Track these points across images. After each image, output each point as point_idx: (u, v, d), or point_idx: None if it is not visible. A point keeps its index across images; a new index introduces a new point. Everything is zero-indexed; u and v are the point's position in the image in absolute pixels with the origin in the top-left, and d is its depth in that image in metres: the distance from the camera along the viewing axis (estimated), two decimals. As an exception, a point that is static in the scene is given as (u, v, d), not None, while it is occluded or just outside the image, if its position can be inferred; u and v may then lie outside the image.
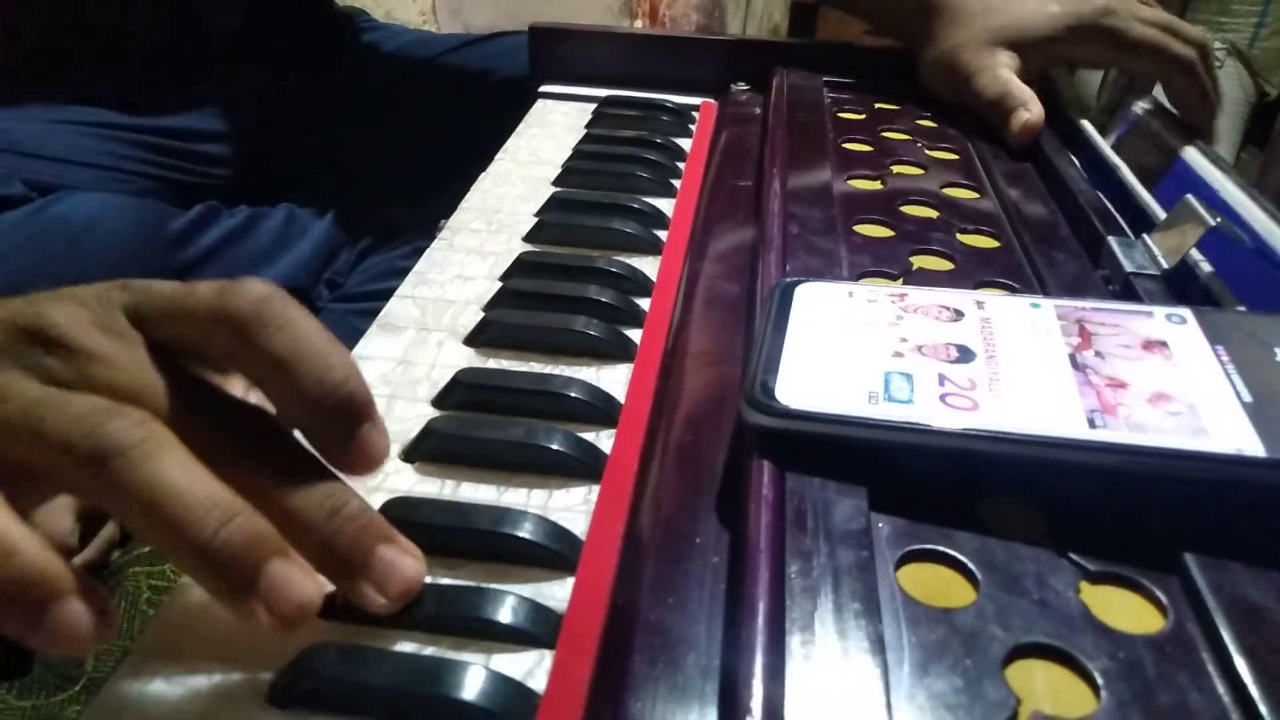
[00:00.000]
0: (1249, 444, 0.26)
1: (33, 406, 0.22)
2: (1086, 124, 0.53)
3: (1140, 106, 0.59)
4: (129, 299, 0.25)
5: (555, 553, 0.28)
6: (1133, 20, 0.55)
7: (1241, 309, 0.35)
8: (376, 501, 0.30)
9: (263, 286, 0.25)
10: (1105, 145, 0.50)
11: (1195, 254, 0.37)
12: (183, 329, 0.25)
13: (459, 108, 0.80)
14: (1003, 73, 0.54)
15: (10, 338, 0.24)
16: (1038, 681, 0.23)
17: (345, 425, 0.25)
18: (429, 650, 0.25)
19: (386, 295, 0.42)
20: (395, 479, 0.32)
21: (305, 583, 0.23)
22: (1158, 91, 0.58)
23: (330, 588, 0.24)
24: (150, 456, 0.22)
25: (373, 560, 0.24)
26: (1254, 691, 0.21)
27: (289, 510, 0.23)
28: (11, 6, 0.69)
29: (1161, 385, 0.28)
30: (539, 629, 0.25)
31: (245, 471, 0.23)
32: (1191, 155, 0.50)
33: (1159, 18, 0.56)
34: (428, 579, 0.26)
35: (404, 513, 0.29)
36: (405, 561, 0.25)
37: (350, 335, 0.40)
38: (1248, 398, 0.27)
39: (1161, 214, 0.42)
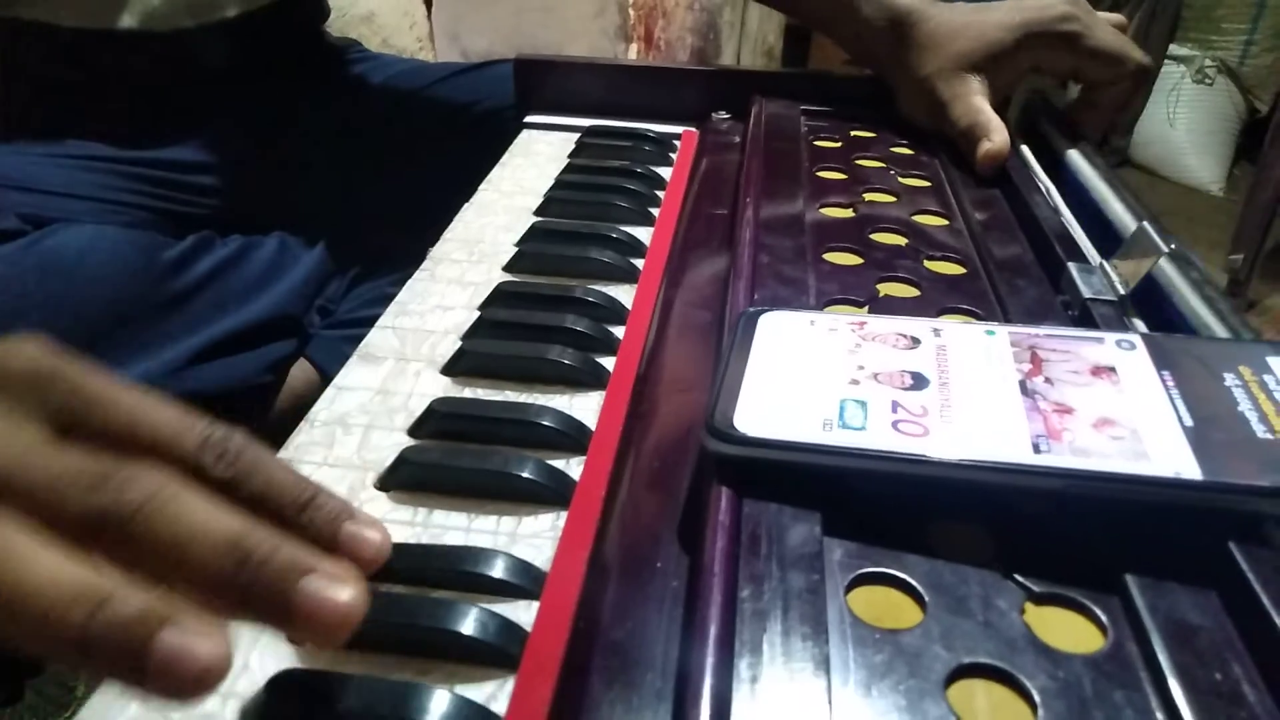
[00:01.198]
0: (1186, 467, 0.27)
1: (52, 476, 0.22)
2: (1024, 148, 0.55)
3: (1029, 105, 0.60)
4: (52, 394, 0.24)
5: (520, 587, 0.29)
6: (1092, 28, 0.56)
7: (1184, 335, 0.36)
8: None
9: (235, 433, 0.24)
10: (1086, 168, 0.52)
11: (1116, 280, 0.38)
12: (114, 444, 0.23)
13: (448, 137, 0.82)
14: (974, 101, 0.55)
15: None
16: (978, 701, 0.23)
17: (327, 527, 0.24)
18: (394, 676, 0.26)
19: (373, 322, 0.44)
20: (369, 507, 0.32)
21: (200, 643, 0.20)
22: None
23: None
24: (171, 503, 0.21)
25: (296, 602, 0.21)
26: (1183, 706, 0.22)
27: (200, 575, 0.21)
28: (5, 43, 0.70)
29: (1106, 410, 0.29)
30: (503, 642, 0.26)
31: (149, 551, 0.21)
32: (1072, 156, 0.52)
33: (1117, 21, 0.58)
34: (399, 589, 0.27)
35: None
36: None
37: (341, 361, 0.41)
38: (1189, 422, 0.28)
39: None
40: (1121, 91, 0.57)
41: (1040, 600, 0.26)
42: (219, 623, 0.20)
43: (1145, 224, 0.39)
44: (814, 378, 0.31)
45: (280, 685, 0.25)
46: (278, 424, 0.66)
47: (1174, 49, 2.27)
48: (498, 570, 0.29)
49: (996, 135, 0.53)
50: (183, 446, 0.23)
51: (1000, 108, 0.57)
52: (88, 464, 0.22)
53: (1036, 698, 0.23)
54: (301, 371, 0.71)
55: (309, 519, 0.23)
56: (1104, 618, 0.25)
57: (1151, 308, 0.38)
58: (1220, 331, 0.35)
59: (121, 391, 0.24)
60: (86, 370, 0.24)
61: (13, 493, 0.21)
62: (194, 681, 0.20)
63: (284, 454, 0.35)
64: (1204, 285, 0.36)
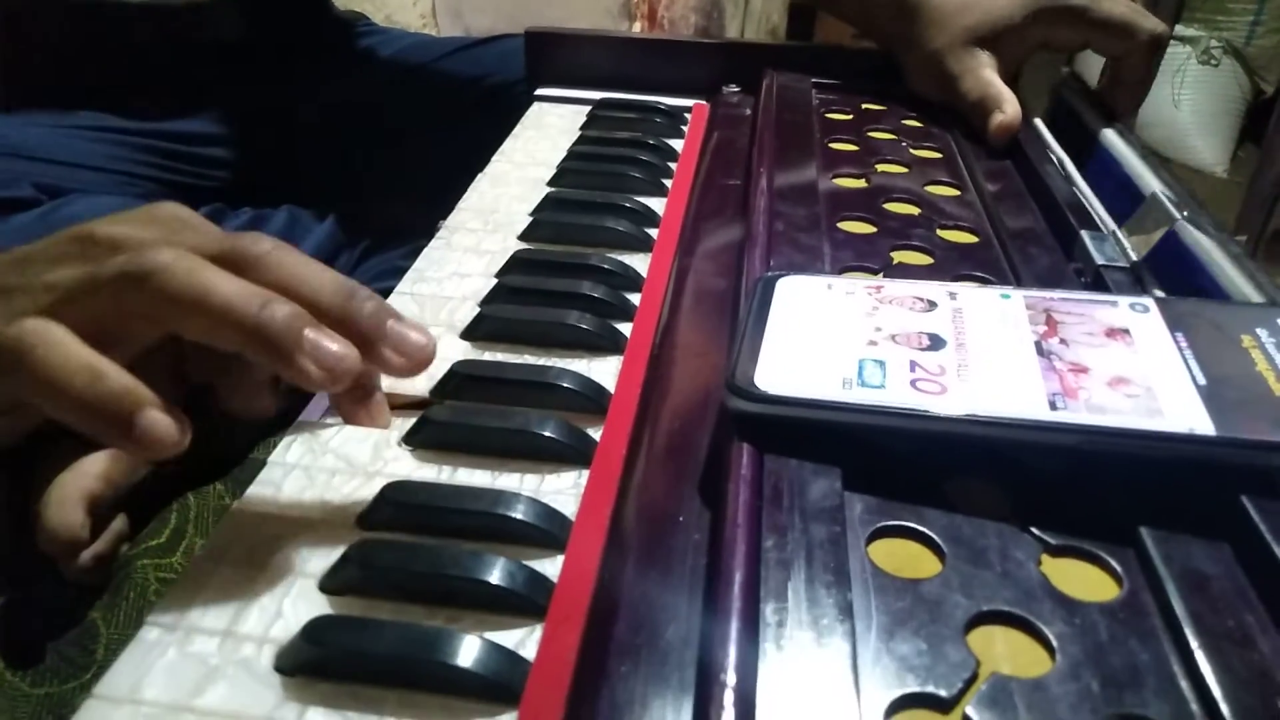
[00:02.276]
0: (1200, 423, 0.27)
1: (87, 272, 0.27)
2: (1037, 121, 0.55)
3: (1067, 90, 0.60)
4: (179, 216, 0.31)
5: (546, 532, 0.29)
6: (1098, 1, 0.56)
7: (1198, 298, 0.36)
8: (376, 485, 0.31)
9: (270, 240, 0.29)
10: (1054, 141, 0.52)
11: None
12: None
13: (457, 110, 0.82)
14: (984, 74, 0.55)
15: (63, 247, 0.30)
16: (997, 645, 0.24)
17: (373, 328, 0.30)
18: (425, 624, 0.27)
19: (387, 294, 0.44)
20: (395, 465, 0.33)
21: (338, 344, 0.27)
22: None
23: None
24: (185, 269, 0.26)
25: (388, 330, 0.29)
26: (1197, 651, 0.23)
27: (315, 297, 0.28)
28: (16, 16, 0.70)
29: (1121, 370, 0.30)
30: (530, 591, 0.27)
31: (272, 281, 0.28)
32: (1107, 136, 0.52)
33: (1127, 4, 0.58)
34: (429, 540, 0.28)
35: (404, 496, 0.30)
36: (414, 332, 0.29)
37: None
38: (1202, 380, 0.29)
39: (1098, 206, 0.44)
40: (1138, 63, 0.57)
41: (1056, 552, 0.27)
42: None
43: (1157, 193, 0.39)
44: (832, 339, 0.32)
45: (315, 631, 0.26)
46: (290, 395, 0.67)
47: (1180, 30, 2.26)
48: (525, 514, 0.29)
49: (1009, 106, 0.53)
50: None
51: (1010, 82, 0.57)
52: (216, 234, 0.30)
53: (1054, 643, 0.24)
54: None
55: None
56: (1119, 568, 0.26)
57: (1172, 272, 0.38)
58: (1251, 294, 0.35)
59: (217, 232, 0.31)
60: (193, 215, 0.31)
61: (172, 242, 0.28)
62: (335, 363, 0.27)
63: (305, 416, 0.35)
64: (1230, 245, 0.36)
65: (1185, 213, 0.38)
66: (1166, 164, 0.46)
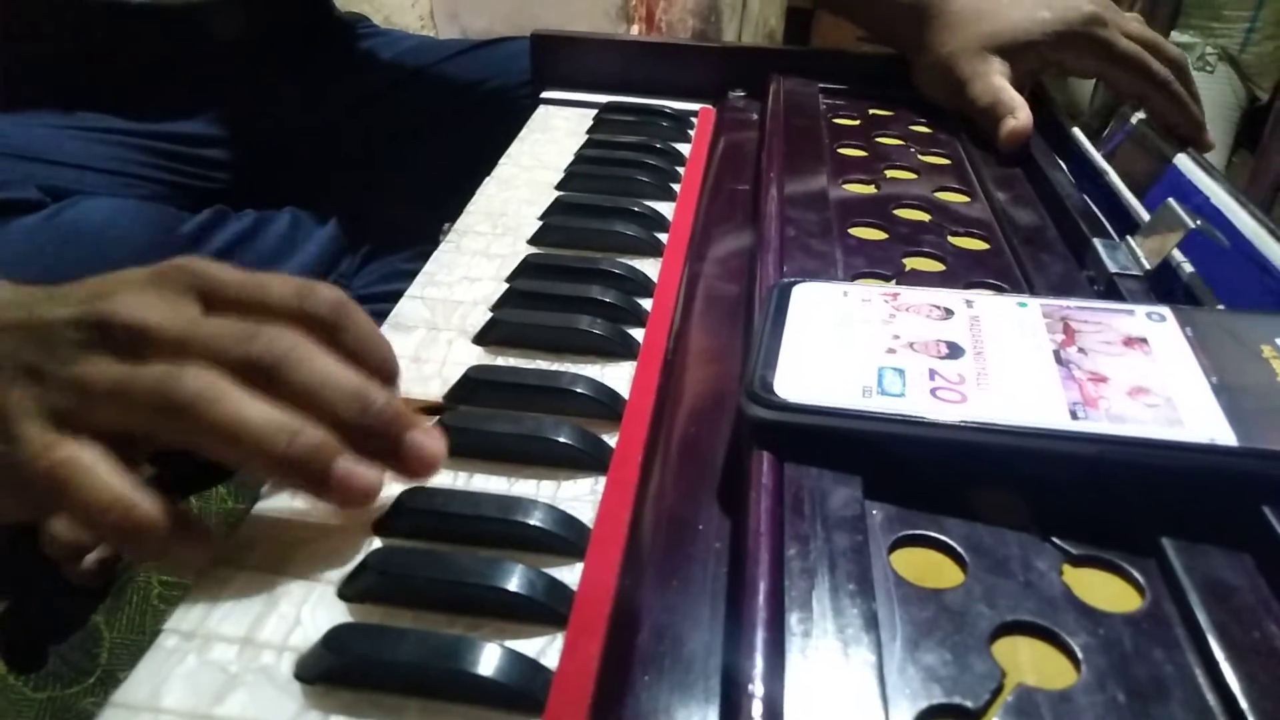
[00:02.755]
0: (1221, 433, 0.27)
1: (118, 381, 0.28)
2: (1076, 130, 0.55)
3: (1136, 115, 0.60)
4: (195, 282, 0.30)
5: (564, 539, 0.29)
6: (1119, 33, 0.56)
7: (1220, 307, 0.36)
8: (394, 491, 0.31)
9: (335, 292, 0.31)
10: (1093, 150, 0.52)
11: (1178, 255, 0.39)
12: (249, 314, 0.30)
13: (460, 113, 0.82)
14: (995, 80, 0.56)
15: (87, 331, 0.29)
16: (1022, 656, 0.24)
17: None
18: (445, 631, 0.27)
19: (391, 298, 0.44)
20: (410, 471, 0.33)
21: (364, 471, 0.29)
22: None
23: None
24: (216, 401, 0.27)
25: (403, 441, 0.30)
26: (1223, 663, 0.23)
27: (333, 415, 0.29)
28: (18, 16, 0.70)
29: (1140, 379, 0.30)
30: (550, 600, 0.27)
31: (293, 393, 0.29)
32: (1182, 161, 0.52)
33: (1144, 35, 0.58)
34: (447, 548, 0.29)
35: (421, 503, 0.30)
36: (428, 440, 0.30)
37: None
38: (1222, 390, 0.29)
39: (1146, 216, 0.43)
40: (1157, 104, 0.57)
41: (1078, 562, 0.27)
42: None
43: (1171, 200, 0.39)
44: (850, 346, 0.32)
45: (336, 639, 0.25)
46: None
47: (1175, 36, 2.27)
48: (543, 520, 0.29)
49: (1021, 113, 0.53)
50: (300, 308, 0.30)
51: (1021, 93, 0.57)
52: (237, 325, 0.29)
53: (1079, 654, 0.24)
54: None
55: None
56: (1141, 579, 0.26)
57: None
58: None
59: (247, 274, 0.31)
60: (217, 264, 0.31)
61: (191, 351, 0.28)
62: (361, 495, 0.29)
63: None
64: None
65: (1199, 221, 0.38)
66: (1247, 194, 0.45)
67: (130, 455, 0.28)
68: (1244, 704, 0.22)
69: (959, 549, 0.27)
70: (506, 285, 0.44)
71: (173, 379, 0.27)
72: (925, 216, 0.46)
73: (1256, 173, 1.71)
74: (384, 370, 0.32)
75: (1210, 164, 0.50)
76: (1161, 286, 0.39)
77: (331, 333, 0.30)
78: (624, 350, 0.39)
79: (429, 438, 0.30)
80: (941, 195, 0.49)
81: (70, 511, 0.27)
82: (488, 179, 0.56)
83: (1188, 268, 0.38)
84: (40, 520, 0.31)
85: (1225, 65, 2.26)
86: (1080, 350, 0.31)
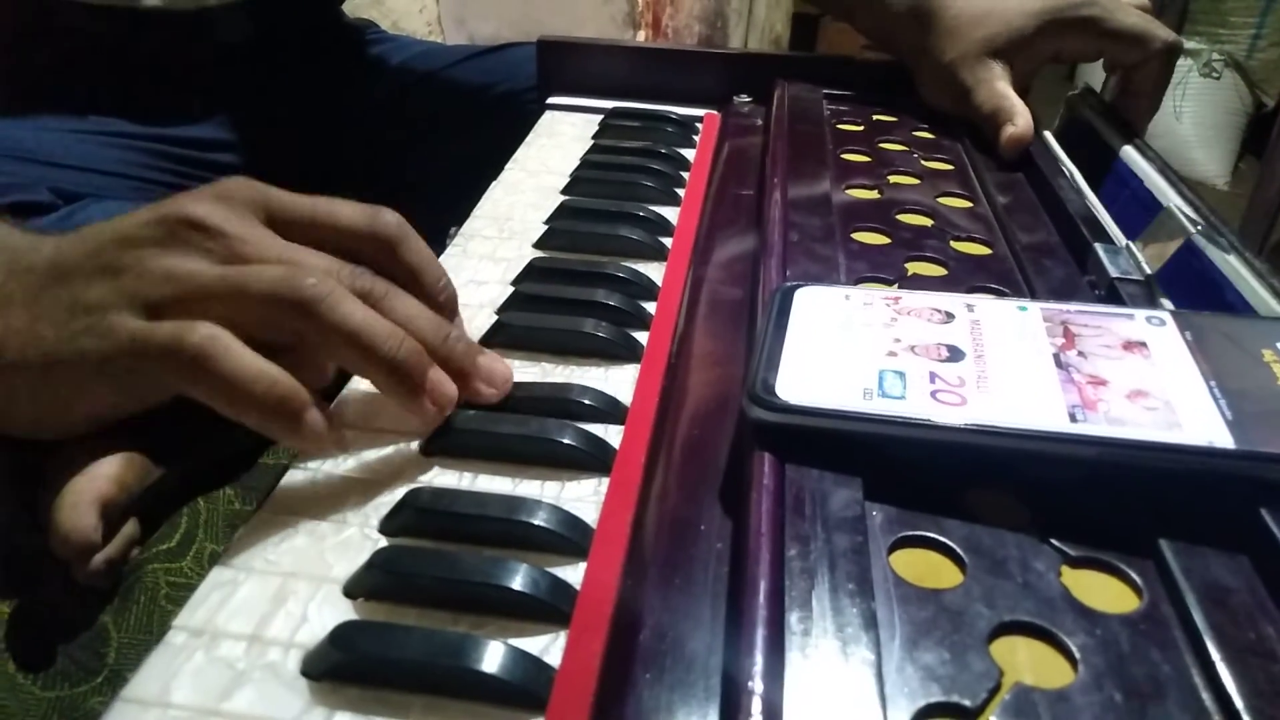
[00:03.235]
0: (1219, 436, 0.27)
1: (226, 277, 0.30)
2: (1047, 134, 0.55)
3: (1084, 106, 0.61)
4: (263, 202, 0.33)
5: (568, 539, 0.29)
6: (1114, 9, 0.56)
7: (1214, 312, 0.36)
8: (399, 492, 0.31)
9: (396, 216, 0.35)
10: (1062, 153, 0.52)
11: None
12: (323, 236, 0.33)
13: (467, 118, 0.82)
14: (998, 86, 0.56)
15: (166, 230, 0.30)
16: (1020, 656, 0.24)
17: (451, 313, 0.36)
18: (450, 630, 0.27)
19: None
20: (416, 471, 0.33)
21: (450, 384, 0.33)
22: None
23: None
24: (340, 303, 0.30)
25: (478, 365, 0.35)
26: (1219, 663, 0.23)
27: (422, 335, 0.33)
28: (28, 21, 0.71)
29: (1140, 382, 0.30)
30: (554, 598, 0.27)
31: (395, 314, 0.32)
32: (1128, 153, 0.52)
33: (1139, 12, 0.58)
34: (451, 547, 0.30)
35: (425, 502, 0.31)
36: (498, 365, 0.36)
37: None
38: (1221, 394, 0.29)
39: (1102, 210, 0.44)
40: (1152, 72, 0.57)
41: (1076, 563, 0.27)
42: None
43: (1171, 206, 0.40)
44: (852, 349, 0.32)
45: (342, 636, 0.26)
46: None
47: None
48: (547, 520, 0.29)
49: (1021, 119, 0.53)
50: (369, 228, 0.34)
51: (1021, 94, 0.57)
52: (333, 260, 0.32)
53: (1076, 654, 0.24)
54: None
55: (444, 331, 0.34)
56: (1139, 580, 0.26)
57: (1190, 286, 0.38)
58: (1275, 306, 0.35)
59: (310, 199, 0.34)
60: (278, 190, 0.33)
61: (298, 263, 0.31)
62: (448, 402, 0.33)
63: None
64: (1254, 261, 0.37)
65: (1199, 226, 0.38)
66: (1186, 182, 0.46)
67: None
68: (1239, 704, 0.22)
69: (958, 550, 0.27)
70: (512, 289, 0.44)
71: (297, 279, 0.30)
72: (928, 221, 0.46)
73: (1262, 178, 1.71)
74: (444, 289, 0.36)
75: (1153, 150, 0.51)
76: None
77: (396, 249, 0.34)
78: (628, 353, 0.39)
79: (497, 362, 0.36)
80: (944, 200, 0.49)
81: (213, 392, 0.29)
82: (494, 183, 0.56)
83: (1145, 269, 0.38)
84: (139, 406, 0.32)
85: (1231, 71, 2.26)
86: (1080, 354, 0.31)
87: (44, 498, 0.53)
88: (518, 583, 0.27)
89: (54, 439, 0.33)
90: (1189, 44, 2.27)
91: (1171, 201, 0.43)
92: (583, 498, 0.32)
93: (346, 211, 0.34)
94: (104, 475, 0.55)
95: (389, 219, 0.35)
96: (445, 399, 0.33)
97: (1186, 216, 0.39)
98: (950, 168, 0.54)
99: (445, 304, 0.36)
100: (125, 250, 0.30)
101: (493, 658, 0.25)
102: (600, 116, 0.66)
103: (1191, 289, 0.38)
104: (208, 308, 0.29)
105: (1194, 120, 2.26)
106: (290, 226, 0.33)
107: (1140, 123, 0.58)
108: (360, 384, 0.37)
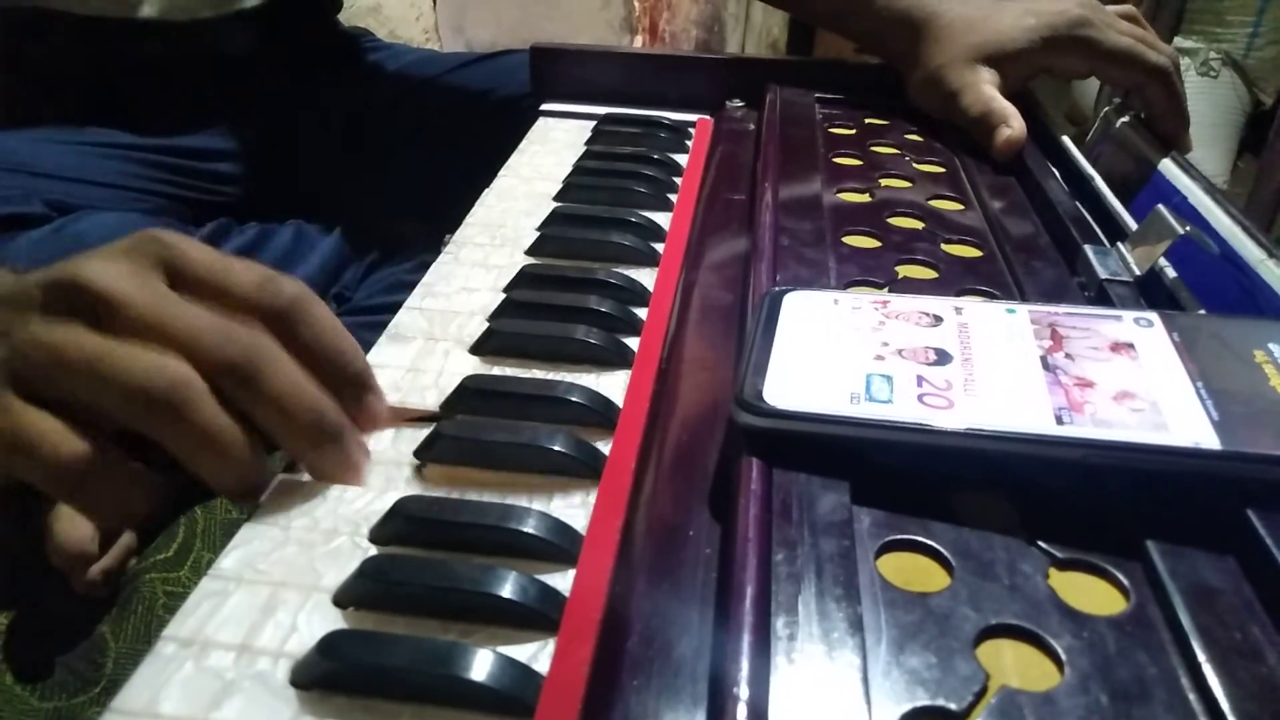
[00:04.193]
0: (1205, 437, 0.27)
1: (99, 356, 0.28)
2: (1065, 139, 0.55)
3: (1120, 120, 0.61)
4: (164, 256, 0.31)
5: (557, 546, 0.30)
6: (1108, 30, 0.57)
7: (1203, 313, 0.36)
8: (388, 500, 0.31)
9: (296, 286, 0.32)
10: (1081, 157, 0.52)
11: (1161, 260, 0.39)
12: (210, 298, 0.31)
13: (462, 125, 0.83)
14: (985, 89, 0.56)
15: (55, 293, 0.29)
16: (1006, 659, 0.24)
17: (355, 394, 0.34)
18: (439, 638, 0.27)
19: (393, 308, 0.44)
20: (406, 479, 0.33)
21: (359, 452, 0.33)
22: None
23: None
24: (198, 405, 0.29)
25: (343, 453, 0.33)
26: (1205, 664, 0.23)
27: (289, 424, 0.31)
28: (24, 31, 0.71)
29: (1126, 384, 0.30)
30: (542, 605, 0.27)
31: (259, 399, 0.30)
32: (1166, 166, 0.52)
33: (1134, 30, 0.58)
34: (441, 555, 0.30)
35: (416, 510, 0.31)
36: (359, 455, 0.33)
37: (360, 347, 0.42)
38: (1207, 394, 0.29)
39: (1132, 222, 0.44)
40: (1154, 94, 0.58)
41: (1064, 566, 0.27)
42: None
43: (1161, 207, 0.40)
44: (839, 353, 0.32)
45: (330, 646, 0.26)
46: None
47: (1179, 41, 2.27)
48: (536, 528, 0.29)
49: (1014, 121, 0.53)
50: (258, 300, 0.32)
51: (1013, 100, 0.57)
52: (215, 320, 0.30)
53: (1063, 656, 0.24)
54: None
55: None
56: (1126, 582, 0.26)
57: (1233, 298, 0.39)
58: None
59: (215, 255, 0.32)
60: (187, 239, 0.32)
61: (169, 337, 0.29)
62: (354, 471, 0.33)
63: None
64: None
65: (1188, 227, 0.38)
66: (1231, 199, 0.45)
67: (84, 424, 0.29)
68: (1225, 705, 0.22)
69: (945, 553, 0.27)
70: (504, 296, 0.44)
71: (156, 369, 0.28)
72: (919, 224, 0.47)
73: (1261, 177, 1.71)
74: (341, 365, 0.33)
75: (1193, 166, 0.51)
76: (1148, 292, 0.39)
77: (290, 326, 0.32)
78: (619, 359, 0.40)
79: (359, 451, 0.33)
80: (935, 203, 0.49)
81: (28, 473, 0.28)
82: (487, 190, 0.56)
83: (1170, 272, 0.38)
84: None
85: (1229, 70, 2.26)
86: (1067, 356, 0.32)
87: (41, 508, 0.53)
88: (507, 590, 0.27)
89: None
90: (1186, 43, 2.27)
91: (1218, 218, 0.43)
92: (573, 504, 0.32)
93: (239, 277, 0.32)
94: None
95: (281, 291, 0.32)
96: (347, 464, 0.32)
97: (1173, 214, 0.39)
98: (942, 170, 0.54)
99: (352, 379, 0.34)
100: (15, 316, 0.29)
101: (481, 665, 0.25)
102: (593, 123, 0.66)
103: (1234, 300, 0.38)
104: (72, 384, 0.28)
105: (1192, 119, 2.25)
106: (189, 285, 0.31)
107: (1175, 142, 0.57)
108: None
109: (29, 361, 0.29)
